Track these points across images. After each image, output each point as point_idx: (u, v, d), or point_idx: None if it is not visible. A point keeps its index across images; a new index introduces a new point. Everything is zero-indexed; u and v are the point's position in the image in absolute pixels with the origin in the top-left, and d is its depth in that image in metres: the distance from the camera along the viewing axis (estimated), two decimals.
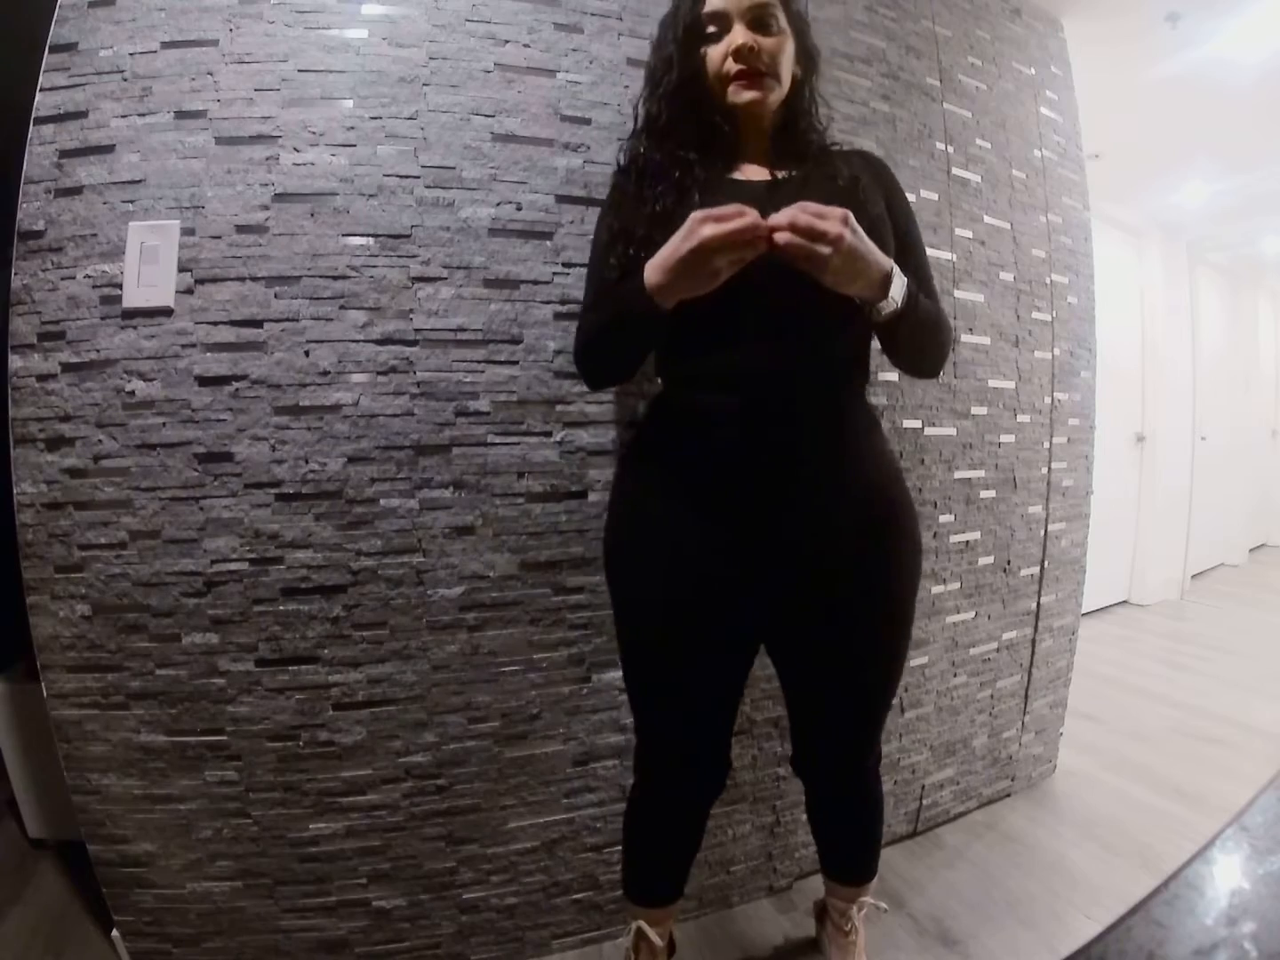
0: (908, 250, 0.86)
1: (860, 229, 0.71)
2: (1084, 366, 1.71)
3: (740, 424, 0.79)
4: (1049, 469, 1.63)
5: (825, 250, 0.68)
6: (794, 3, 0.88)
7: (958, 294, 1.44)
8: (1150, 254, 3.55)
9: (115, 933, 1.08)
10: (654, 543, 0.86)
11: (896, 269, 0.75)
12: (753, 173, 0.86)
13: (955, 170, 1.44)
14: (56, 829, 1.40)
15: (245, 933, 1.10)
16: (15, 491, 0.99)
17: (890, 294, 0.74)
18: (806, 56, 0.88)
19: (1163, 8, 1.75)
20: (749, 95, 0.81)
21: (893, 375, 1.34)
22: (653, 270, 0.74)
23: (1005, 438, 1.53)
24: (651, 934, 0.98)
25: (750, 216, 0.68)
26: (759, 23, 0.81)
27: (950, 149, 1.44)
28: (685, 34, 0.82)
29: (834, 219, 0.68)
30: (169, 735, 1.04)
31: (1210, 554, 4.19)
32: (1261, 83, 2.09)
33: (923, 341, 0.84)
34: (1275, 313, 5.01)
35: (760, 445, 0.80)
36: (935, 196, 1.41)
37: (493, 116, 1.09)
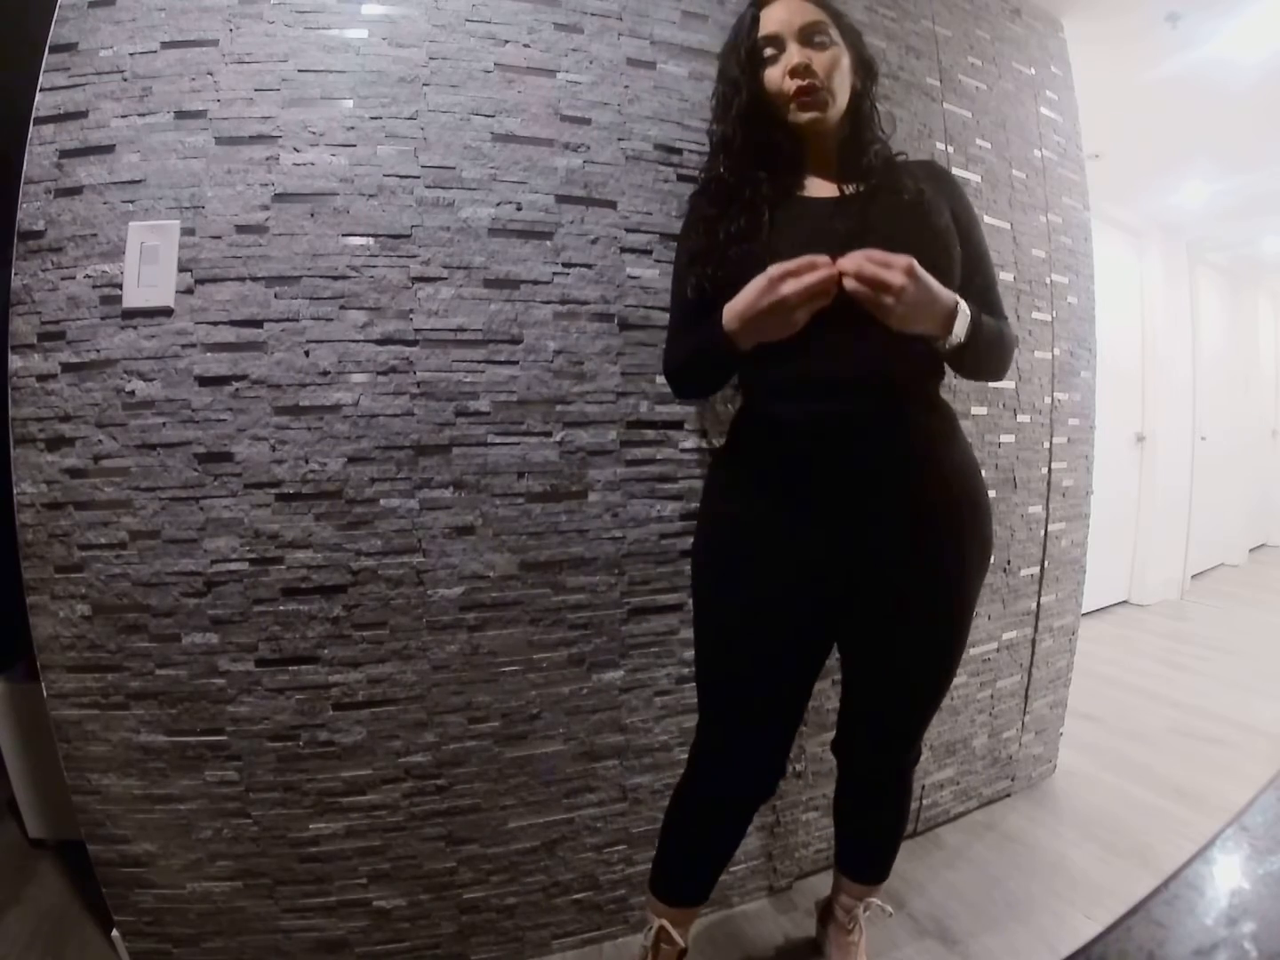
0: (972, 261, 0.88)
1: (925, 275, 0.72)
2: (1084, 366, 1.71)
3: (816, 431, 0.83)
4: (1049, 469, 1.63)
5: (889, 300, 0.70)
6: (844, 17, 0.90)
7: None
8: (1150, 254, 3.55)
9: (115, 933, 1.08)
10: (736, 546, 0.89)
11: (962, 306, 0.77)
12: (820, 188, 0.88)
13: (955, 170, 1.44)
14: (56, 829, 1.40)
15: (245, 933, 1.10)
16: (15, 491, 0.99)
17: (954, 332, 0.76)
18: (864, 67, 0.90)
19: (1163, 8, 1.75)
20: (808, 115, 0.83)
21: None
22: (731, 318, 0.78)
23: (1005, 438, 1.53)
24: (675, 934, 0.98)
25: (823, 270, 0.71)
26: (811, 40, 0.84)
27: (950, 149, 1.44)
28: (746, 58, 0.85)
29: (898, 269, 0.70)
30: (169, 735, 1.04)
31: (1210, 554, 4.19)
32: (1261, 83, 2.09)
33: (984, 362, 0.87)
34: (1275, 313, 5.01)
35: (835, 451, 0.83)
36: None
37: (493, 116, 1.09)
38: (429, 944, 1.15)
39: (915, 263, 0.71)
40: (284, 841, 1.08)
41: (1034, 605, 1.64)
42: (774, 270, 0.72)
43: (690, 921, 1.02)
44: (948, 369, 0.90)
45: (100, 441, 1.00)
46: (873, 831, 1.06)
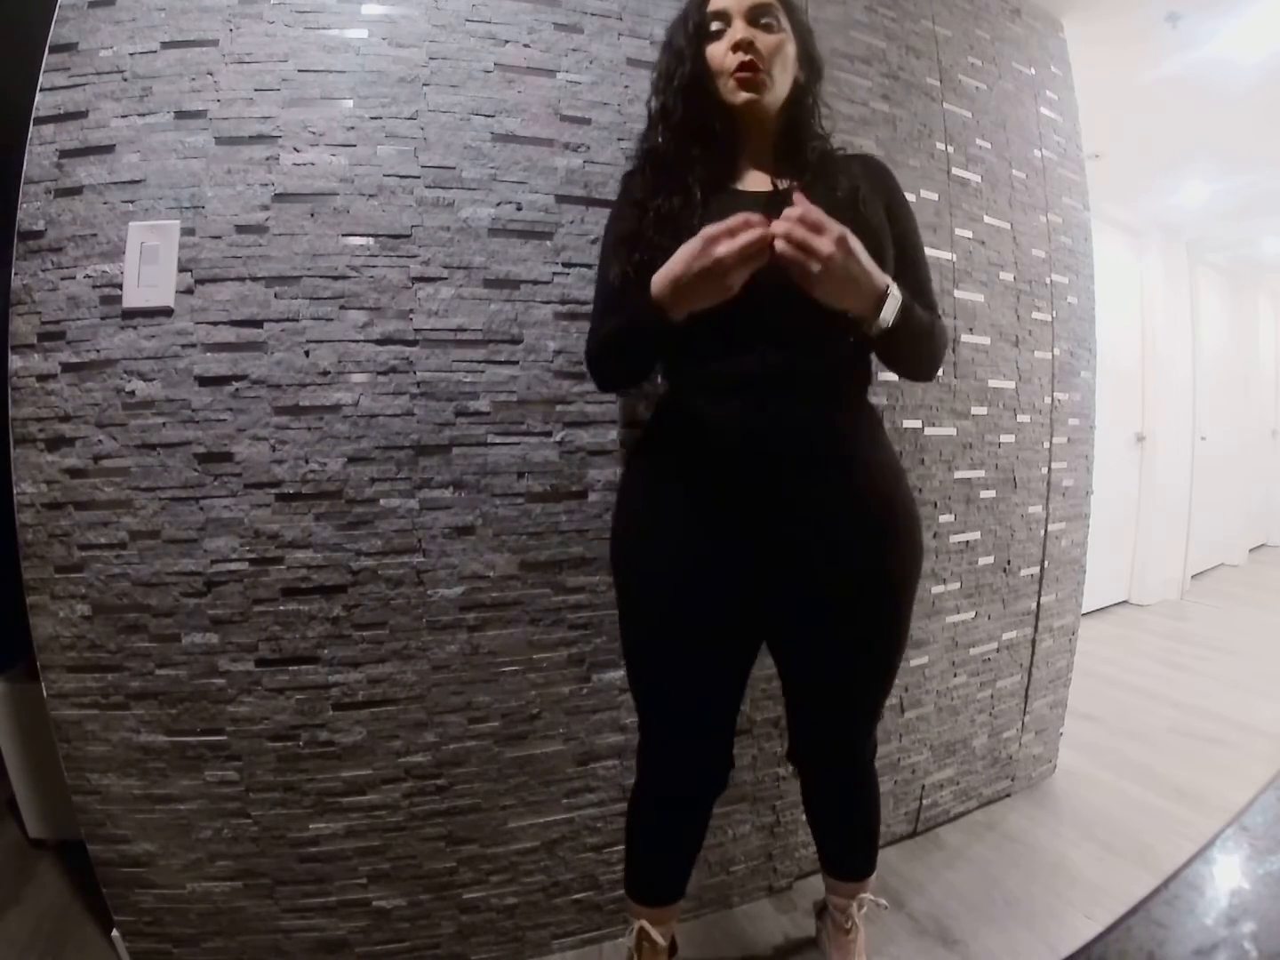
0: (907, 256, 0.87)
1: (859, 248, 0.71)
2: (1084, 366, 1.71)
3: (743, 427, 0.81)
4: (1049, 469, 1.63)
5: (815, 267, 0.69)
6: (797, 10, 0.88)
7: (958, 294, 1.44)
8: (1150, 254, 3.55)
9: (115, 933, 1.08)
10: (659, 543, 0.87)
11: (893, 288, 0.75)
12: (755, 181, 0.87)
13: (955, 170, 1.44)
14: (56, 829, 1.40)
15: (245, 933, 1.10)
16: (15, 491, 0.99)
17: (882, 314, 0.74)
18: (810, 62, 0.89)
19: (1163, 8, 1.75)
20: (744, 96, 0.82)
21: (893, 375, 1.34)
22: (661, 285, 0.74)
23: (1005, 438, 1.53)
24: (654, 933, 0.98)
25: (757, 229, 0.69)
26: (759, 20, 0.83)
27: (950, 149, 1.44)
28: (693, 30, 0.84)
29: (829, 238, 0.69)
30: (169, 735, 1.04)
31: (1210, 554, 4.19)
32: (1261, 83, 2.09)
33: (914, 353, 0.86)
34: (1275, 313, 5.01)
35: (762, 448, 0.81)
36: (935, 196, 1.41)
37: (493, 116, 1.09)
38: (429, 944, 1.15)
39: (849, 233, 0.70)
40: (284, 841, 1.08)
41: (1034, 605, 1.64)
42: (708, 230, 0.70)
43: (669, 919, 1.02)
44: (874, 372, 0.90)
45: (100, 441, 1.00)
46: (846, 829, 1.05)
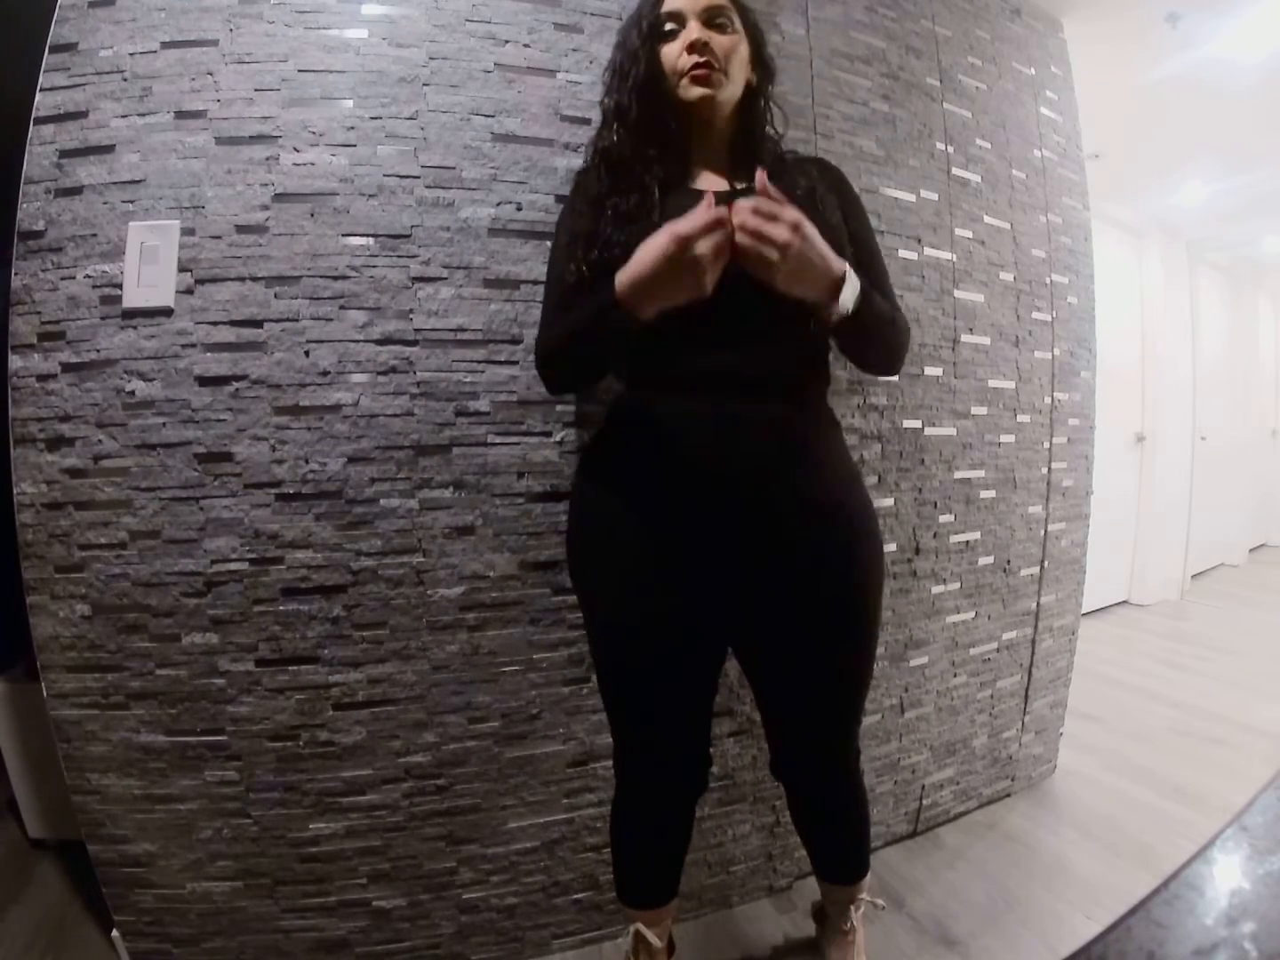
0: (864, 256, 0.87)
1: (814, 234, 0.71)
2: (1084, 366, 1.71)
3: (702, 428, 0.81)
4: (1049, 469, 1.63)
5: (773, 255, 0.68)
6: (751, 13, 0.89)
7: (958, 294, 1.44)
8: (1150, 254, 3.55)
9: (115, 933, 1.08)
10: (616, 546, 0.86)
11: (850, 274, 0.75)
12: (710, 181, 0.87)
13: (955, 170, 1.44)
14: (56, 829, 1.40)
15: (245, 933, 1.10)
16: (15, 491, 0.99)
17: (840, 299, 0.74)
18: (762, 65, 0.89)
19: (1163, 8, 1.75)
20: (698, 91, 0.82)
21: (894, 375, 1.34)
22: (626, 284, 0.73)
23: (1005, 438, 1.53)
24: (650, 936, 0.98)
25: (719, 210, 0.69)
26: (713, 22, 0.84)
27: (950, 149, 1.44)
28: (647, 30, 0.84)
29: (785, 225, 0.68)
30: (169, 735, 1.04)
31: (1210, 554, 4.19)
32: (1261, 83, 2.09)
33: (876, 342, 0.85)
34: (1275, 313, 5.01)
35: (721, 449, 0.80)
36: (935, 196, 1.41)
37: (493, 116, 1.09)
38: (429, 944, 1.15)
39: (804, 219, 0.69)
40: (284, 841, 1.08)
41: (1034, 605, 1.64)
42: (680, 228, 0.68)
43: (663, 921, 1.01)
44: (832, 374, 0.90)
45: (100, 441, 1.00)
46: (835, 837, 1.03)
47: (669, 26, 0.84)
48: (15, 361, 0.99)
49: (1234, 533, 4.43)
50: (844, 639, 0.88)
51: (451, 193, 1.07)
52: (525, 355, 1.11)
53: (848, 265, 0.75)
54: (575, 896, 1.21)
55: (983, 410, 1.49)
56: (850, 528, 0.87)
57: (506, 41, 1.10)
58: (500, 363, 1.10)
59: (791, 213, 0.69)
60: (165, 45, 1.00)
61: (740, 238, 0.69)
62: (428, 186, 1.07)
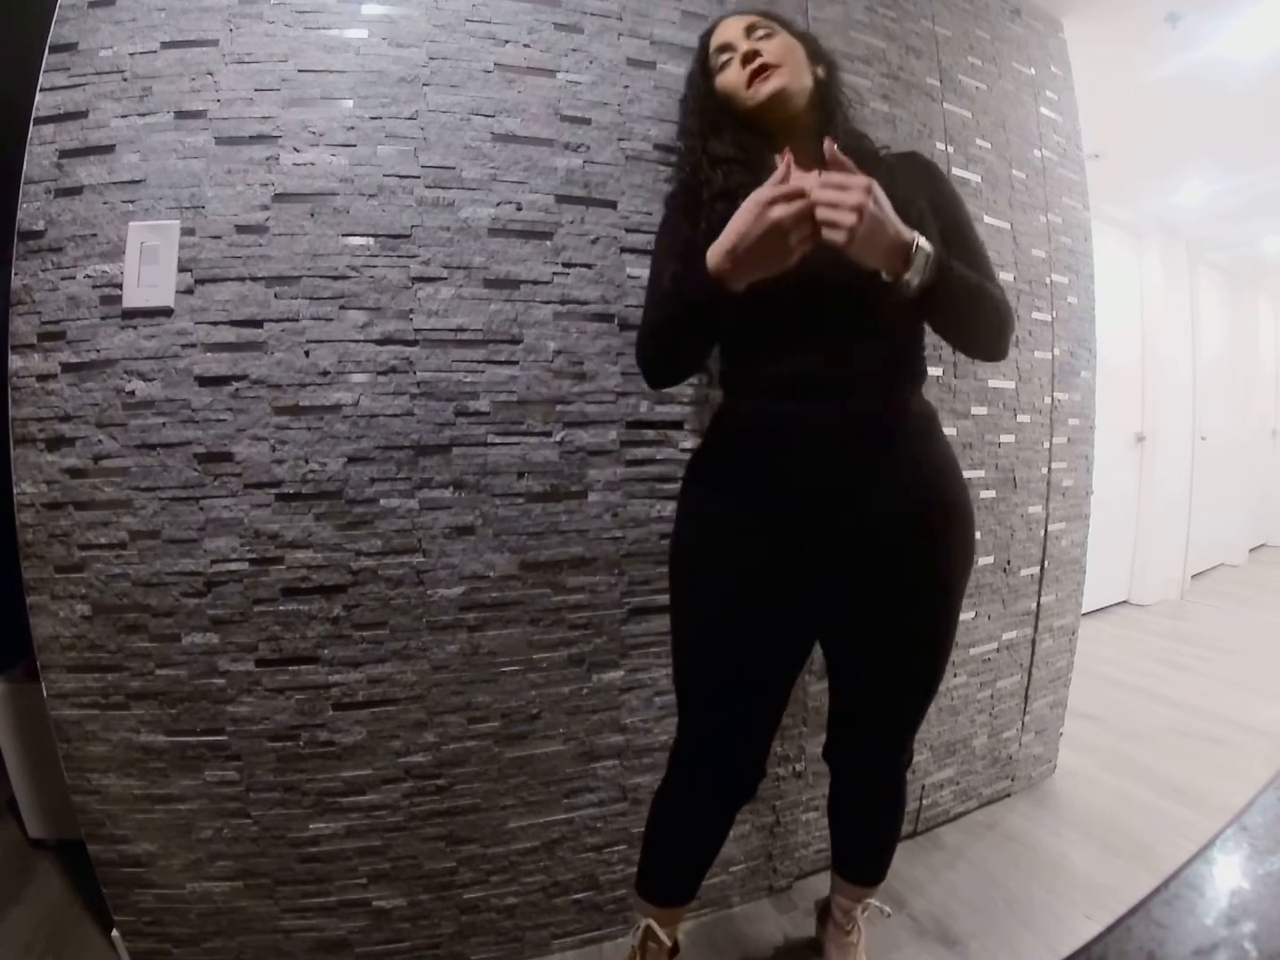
0: (957, 238, 0.86)
1: (884, 199, 0.70)
2: (1084, 366, 1.71)
3: (800, 427, 0.82)
4: (1049, 469, 1.63)
5: (848, 219, 0.68)
6: (792, 24, 0.92)
7: None
8: (1150, 254, 3.55)
9: (115, 933, 1.08)
10: (718, 545, 0.88)
11: (921, 242, 0.73)
12: (796, 178, 0.88)
13: (955, 170, 1.44)
14: (56, 829, 1.40)
15: (245, 933, 1.10)
16: (15, 491, 0.99)
17: (913, 264, 0.72)
18: (823, 61, 0.91)
19: (1163, 8, 1.75)
20: (767, 87, 0.84)
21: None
22: (717, 256, 0.74)
23: (1005, 438, 1.53)
24: (661, 934, 0.98)
25: (796, 180, 0.70)
26: (756, 35, 0.88)
27: (950, 149, 1.44)
28: (702, 72, 0.91)
29: (856, 189, 0.69)
30: (169, 735, 1.04)
31: (1210, 554, 4.19)
32: (1261, 83, 2.09)
33: (962, 316, 0.82)
34: (1275, 313, 5.01)
35: (815, 451, 0.82)
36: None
37: (493, 116, 1.09)
38: (429, 944, 1.15)
39: (874, 182, 0.70)
40: (284, 841, 1.08)
41: (1034, 605, 1.64)
42: (763, 194, 0.70)
43: (677, 921, 1.02)
44: (928, 371, 0.90)
45: (100, 441, 1.00)
46: (868, 834, 1.06)
47: (723, 58, 0.89)
48: (15, 361, 0.99)
49: (1234, 533, 4.43)
50: (927, 636, 0.90)
51: (451, 193, 1.07)
52: (525, 355, 1.11)
53: (918, 234, 0.74)
54: (575, 896, 1.21)
55: (983, 410, 1.49)
56: (944, 525, 0.88)
57: (506, 41, 1.10)
58: (500, 363, 1.10)
59: (861, 177, 0.70)
60: (165, 45, 1.00)
61: (819, 212, 0.69)
62: (428, 186, 1.07)
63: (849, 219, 0.68)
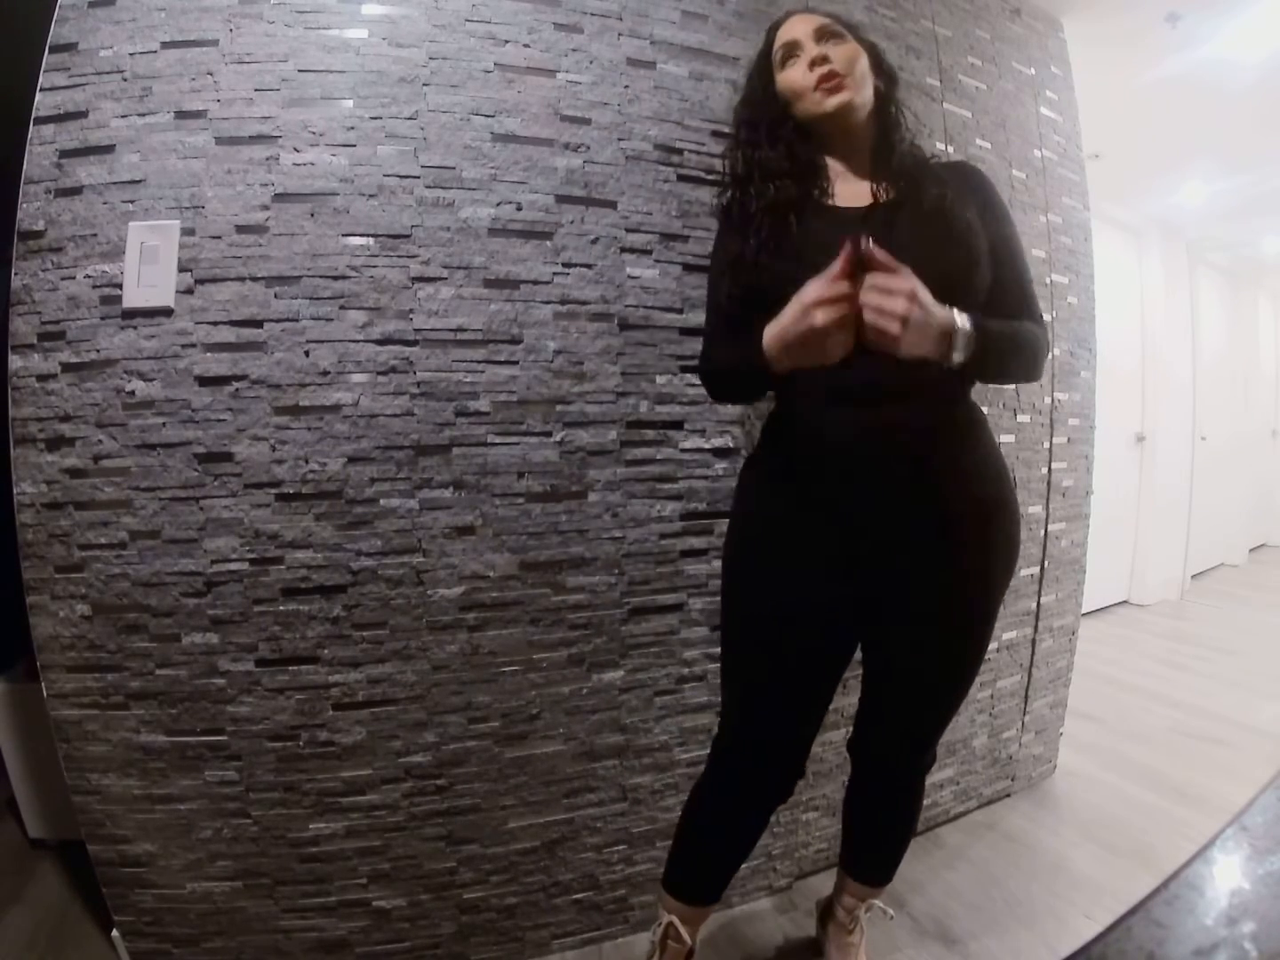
0: (1001, 257, 0.87)
1: (927, 299, 0.71)
2: (1084, 366, 1.71)
3: (854, 434, 0.83)
4: (1049, 469, 1.63)
5: (894, 329, 0.69)
6: (858, 29, 0.92)
7: None
8: (1150, 254, 3.55)
9: (115, 933, 1.08)
10: (766, 547, 0.90)
11: (960, 323, 0.73)
12: (848, 196, 0.88)
13: None
14: (56, 829, 1.40)
15: (245, 933, 1.10)
16: (15, 491, 0.99)
17: (955, 353, 0.74)
18: (886, 72, 0.91)
19: (1163, 8, 1.75)
20: (833, 100, 0.84)
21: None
22: (770, 341, 0.77)
23: (1005, 438, 1.53)
24: (683, 931, 0.97)
25: (842, 284, 0.70)
26: (827, 38, 0.86)
27: (950, 149, 1.44)
28: (763, 71, 0.90)
29: (901, 297, 0.69)
30: (169, 735, 1.04)
31: (1210, 554, 4.19)
32: (1261, 83, 2.09)
33: (1005, 369, 0.87)
34: (1275, 313, 5.01)
35: (865, 456, 0.83)
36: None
37: (493, 116, 1.09)
38: (429, 944, 1.15)
39: (918, 285, 0.70)
40: (284, 841, 1.08)
41: (1034, 605, 1.64)
42: (809, 293, 0.71)
43: (701, 920, 1.01)
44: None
45: (100, 441, 1.00)
46: (881, 834, 1.06)
47: (787, 55, 0.87)
48: (15, 361, 0.99)
49: (1234, 533, 4.43)
50: (964, 644, 0.91)
51: (451, 193, 1.07)
52: (525, 355, 1.11)
53: (955, 313, 0.74)
54: (575, 896, 1.21)
55: (983, 410, 1.49)
56: (990, 530, 0.89)
57: (506, 41, 1.10)
58: (500, 363, 1.10)
59: (905, 281, 0.69)
60: (165, 45, 1.00)
61: (866, 316, 0.70)
62: (428, 186, 1.07)
63: (895, 328, 0.69)
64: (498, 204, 1.09)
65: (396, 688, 1.09)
